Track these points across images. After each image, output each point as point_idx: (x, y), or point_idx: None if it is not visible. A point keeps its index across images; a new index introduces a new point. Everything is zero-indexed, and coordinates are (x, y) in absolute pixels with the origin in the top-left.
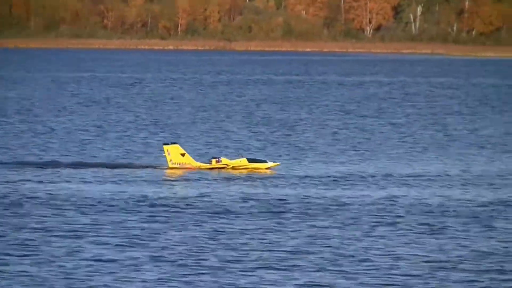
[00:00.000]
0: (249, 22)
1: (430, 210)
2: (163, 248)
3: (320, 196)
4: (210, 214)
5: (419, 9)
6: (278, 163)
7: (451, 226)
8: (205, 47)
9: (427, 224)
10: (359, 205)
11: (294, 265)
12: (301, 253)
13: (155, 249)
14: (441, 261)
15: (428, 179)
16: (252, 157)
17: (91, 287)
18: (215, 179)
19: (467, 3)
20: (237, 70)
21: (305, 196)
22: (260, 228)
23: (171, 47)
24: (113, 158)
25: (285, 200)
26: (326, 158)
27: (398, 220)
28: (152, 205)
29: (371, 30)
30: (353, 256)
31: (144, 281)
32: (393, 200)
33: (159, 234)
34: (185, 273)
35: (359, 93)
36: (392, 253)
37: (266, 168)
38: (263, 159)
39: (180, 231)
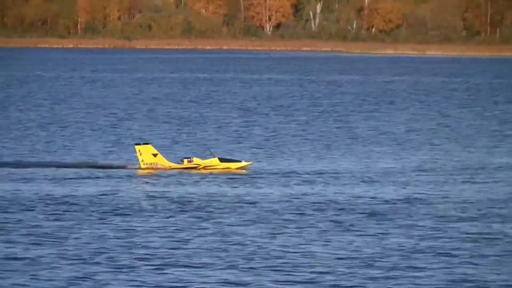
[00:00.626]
0: (148, 21)
1: (337, 207)
2: (75, 246)
3: (226, 194)
4: (117, 213)
5: (318, 7)
6: (250, 163)
7: (357, 223)
8: (105, 45)
9: (335, 221)
10: (267, 202)
11: (205, 263)
12: (210, 251)
13: (67, 247)
14: (349, 258)
15: (333, 176)
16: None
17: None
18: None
19: (366, 0)
20: (137, 68)
21: (210, 193)
22: (170, 227)
23: (71, 46)
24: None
25: (188, 198)
26: (231, 156)
27: (304, 217)
28: (62, 203)
29: (271, 28)
30: (261, 253)
31: (53, 279)
32: (298, 197)
33: (70, 232)
34: (98, 271)
35: (259, 91)
36: (300, 250)
37: (238, 168)
38: (235, 158)
39: (89, 229)
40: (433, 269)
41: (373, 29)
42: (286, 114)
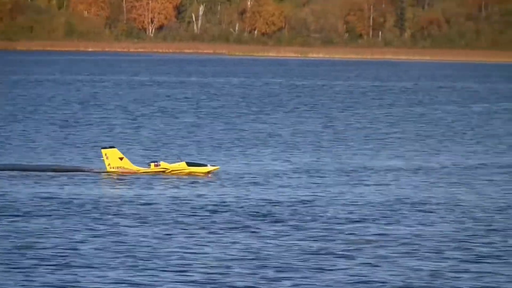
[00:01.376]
0: (30, 22)
1: (228, 209)
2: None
3: (114, 195)
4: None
5: (201, 9)
6: (217, 167)
7: (251, 224)
8: None
9: (228, 221)
10: (162, 204)
11: (99, 263)
12: (104, 251)
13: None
14: (244, 258)
15: (223, 178)
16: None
17: None
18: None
19: (249, 3)
20: (20, 70)
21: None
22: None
23: None
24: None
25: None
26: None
27: (198, 219)
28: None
29: (153, 30)
30: (156, 254)
31: None
32: (192, 200)
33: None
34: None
35: (142, 92)
36: (194, 251)
37: (206, 172)
38: (202, 163)
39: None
40: (329, 270)
41: (256, 32)
42: (171, 116)
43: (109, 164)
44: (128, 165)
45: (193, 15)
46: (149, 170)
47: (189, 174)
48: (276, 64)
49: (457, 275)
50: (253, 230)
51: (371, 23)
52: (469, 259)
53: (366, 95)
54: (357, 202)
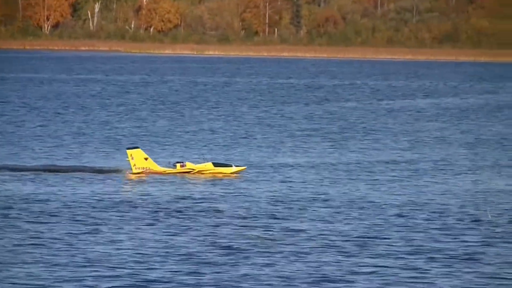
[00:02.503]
0: None
1: (154, 208)
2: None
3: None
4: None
5: (96, 6)
6: (244, 167)
7: (178, 219)
8: None
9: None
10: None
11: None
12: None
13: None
14: (161, 255)
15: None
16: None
17: None
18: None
19: (144, 0)
20: None
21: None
22: None
23: None
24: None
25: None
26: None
27: (99, 214)
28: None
29: (49, 27)
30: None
31: None
32: (92, 196)
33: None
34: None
35: (45, 90)
36: (102, 246)
37: (232, 173)
38: (229, 163)
39: None
40: (239, 265)
41: (152, 29)
42: (86, 113)
43: (134, 165)
44: (153, 165)
45: (88, 12)
46: (175, 170)
47: (215, 174)
48: (173, 61)
49: (357, 269)
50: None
51: (267, 21)
52: (370, 255)
53: (269, 93)
54: (260, 198)
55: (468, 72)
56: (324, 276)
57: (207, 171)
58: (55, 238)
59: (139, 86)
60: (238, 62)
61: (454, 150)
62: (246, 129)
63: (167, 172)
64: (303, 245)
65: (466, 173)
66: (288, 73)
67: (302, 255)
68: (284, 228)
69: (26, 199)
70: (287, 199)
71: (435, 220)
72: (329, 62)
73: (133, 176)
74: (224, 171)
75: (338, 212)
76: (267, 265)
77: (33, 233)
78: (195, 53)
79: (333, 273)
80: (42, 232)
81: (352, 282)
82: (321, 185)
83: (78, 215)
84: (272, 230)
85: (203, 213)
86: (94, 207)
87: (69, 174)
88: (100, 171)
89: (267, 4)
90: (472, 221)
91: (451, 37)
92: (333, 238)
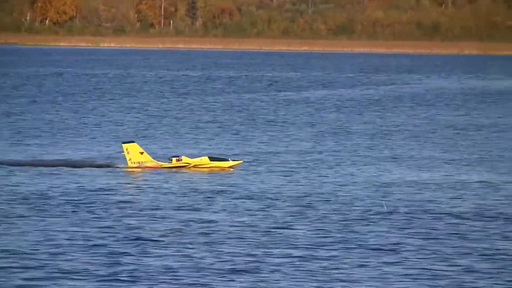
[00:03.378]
0: None
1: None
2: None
3: None
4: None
5: None
6: (240, 162)
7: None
8: None
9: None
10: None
11: None
12: None
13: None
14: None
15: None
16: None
17: None
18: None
19: None
20: None
21: None
22: None
23: None
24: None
25: None
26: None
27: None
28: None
29: None
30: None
31: None
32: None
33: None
34: None
35: None
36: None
37: (228, 167)
38: (225, 157)
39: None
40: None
41: (47, 21)
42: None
43: (130, 159)
44: (148, 159)
45: None
46: (170, 165)
47: (211, 168)
48: (68, 53)
49: (265, 260)
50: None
51: (162, 12)
52: (276, 246)
53: (166, 85)
54: (166, 190)
55: (364, 63)
56: (233, 266)
57: (203, 165)
58: None
59: (36, 78)
60: (133, 54)
61: (355, 141)
62: (146, 121)
63: (162, 166)
64: (211, 236)
65: (367, 164)
66: (185, 65)
67: (213, 245)
68: (191, 220)
69: None
70: (191, 192)
71: (339, 210)
72: (224, 53)
73: (129, 170)
74: (221, 165)
75: (239, 204)
76: (180, 255)
77: None
78: (90, 45)
79: (241, 264)
80: None
81: (259, 272)
82: (225, 177)
83: None
84: (179, 221)
85: (112, 205)
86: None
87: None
88: (90, 165)
89: None
90: (371, 212)
91: (347, 29)
92: (238, 229)
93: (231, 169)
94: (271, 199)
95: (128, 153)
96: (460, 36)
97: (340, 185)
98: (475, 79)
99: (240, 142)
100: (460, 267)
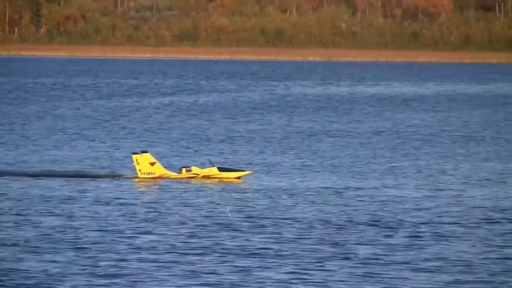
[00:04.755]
0: None
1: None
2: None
3: None
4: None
5: None
6: (250, 172)
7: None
8: None
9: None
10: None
11: None
12: None
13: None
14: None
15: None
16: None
17: None
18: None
19: None
20: None
21: None
22: None
23: None
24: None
25: None
26: None
27: None
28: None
29: None
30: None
31: None
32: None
33: None
34: None
35: None
36: None
37: (237, 178)
38: (235, 168)
39: None
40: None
41: None
42: None
43: (139, 170)
44: (160, 170)
45: None
46: (180, 175)
47: (221, 179)
48: None
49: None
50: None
51: (7, 20)
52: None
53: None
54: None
55: (213, 69)
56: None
57: (213, 176)
58: None
59: None
60: None
61: (213, 146)
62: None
63: (172, 177)
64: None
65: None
66: (31, 73)
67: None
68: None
69: None
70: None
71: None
72: (69, 60)
73: (139, 181)
74: (229, 176)
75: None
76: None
77: None
78: None
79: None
80: None
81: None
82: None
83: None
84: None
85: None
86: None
87: None
88: (97, 176)
89: (7, 3)
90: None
91: (191, 35)
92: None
93: (240, 180)
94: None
95: (138, 163)
96: (304, 43)
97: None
98: (323, 85)
99: (82, 146)
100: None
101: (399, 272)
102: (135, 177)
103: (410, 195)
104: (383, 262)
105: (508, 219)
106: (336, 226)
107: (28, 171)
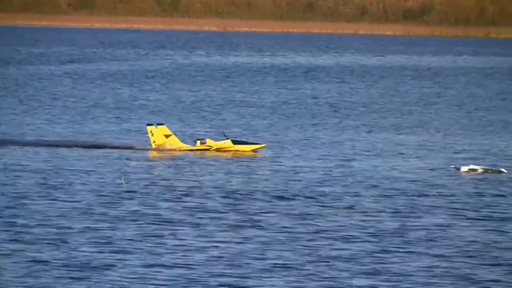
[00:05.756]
0: None
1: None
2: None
3: None
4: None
5: None
6: (264, 145)
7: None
8: None
9: None
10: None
11: None
12: None
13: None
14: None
15: None
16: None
17: None
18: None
19: None
20: None
21: None
22: None
23: None
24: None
25: None
26: None
27: None
28: None
29: None
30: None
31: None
32: None
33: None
34: None
35: None
36: None
37: (251, 150)
38: (248, 140)
39: None
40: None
41: None
42: None
43: (154, 141)
44: (174, 142)
45: None
46: (193, 147)
47: (234, 152)
48: None
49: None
50: None
51: None
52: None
53: None
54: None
55: (110, 39)
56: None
57: (226, 149)
58: None
59: None
60: None
61: (106, 114)
62: None
63: (185, 149)
64: None
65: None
66: None
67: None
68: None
69: None
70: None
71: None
72: None
73: (153, 152)
74: (243, 149)
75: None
76: None
77: None
78: None
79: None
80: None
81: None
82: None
83: None
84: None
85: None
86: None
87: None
88: (116, 147)
89: None
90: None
91: (87, 4)
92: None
93: (254, 153)
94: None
95: (152, 135)
96: (200, 13)
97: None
98: (222, 55)
99: None
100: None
101: (300, 239)
102: (148, 148)
103: (315, 165)
104: (289, 230)
105: (402, 190)
106: (237, 196)
107: None
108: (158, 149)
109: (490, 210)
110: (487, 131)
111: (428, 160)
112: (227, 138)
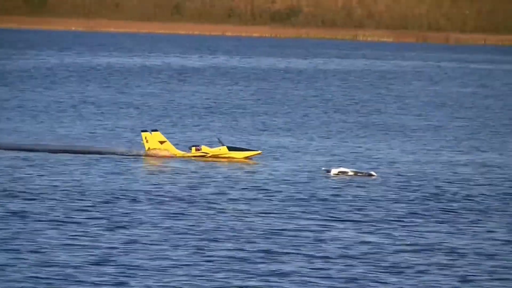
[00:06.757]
0: None
1: None
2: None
3: None
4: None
5: None
6: (259, 152)
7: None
8: None
9: None
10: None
11: None
12: None
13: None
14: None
15: None
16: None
17: None
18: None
19: None
20: None
21: None
22: None
23: None
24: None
25: None
26: None
27: None
28: None
29: None
30: None
31: None
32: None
33: None
34: None
35: None
36: None
37: (247, 157)
38: (244, 147)
39: None
40: None
41: None
42: None
43: (148, 148)
44: (169, 148)
45: None
46: (189, 154)
47: (229, 159)
48: None
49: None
50: None
51: None
52: None
53: None
54: None
55: None
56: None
57: (222, 155)
58: None
59: None
60: None
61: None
62: None
63: (180, 155)
64: None
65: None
66: None
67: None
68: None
69: None
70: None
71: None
72: None
73: (147, 158)
74: (239, 156)
75: None
76: None
77: None
78: None
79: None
80: None
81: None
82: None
83: None
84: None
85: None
86: None
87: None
88: (107, 152)
89: None
90: None
91: None
92: None
93: (249, 160)
94: None
95: (147, 141)
96: (68, 13)
97: None
98: (93, 56)
99: None
100: None
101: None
102: (144, 155)
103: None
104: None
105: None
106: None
107: None
108: (152, 155)
109: (362, 213)
110: (359, 134)
111: (299, 162)
112: (223, 145)
